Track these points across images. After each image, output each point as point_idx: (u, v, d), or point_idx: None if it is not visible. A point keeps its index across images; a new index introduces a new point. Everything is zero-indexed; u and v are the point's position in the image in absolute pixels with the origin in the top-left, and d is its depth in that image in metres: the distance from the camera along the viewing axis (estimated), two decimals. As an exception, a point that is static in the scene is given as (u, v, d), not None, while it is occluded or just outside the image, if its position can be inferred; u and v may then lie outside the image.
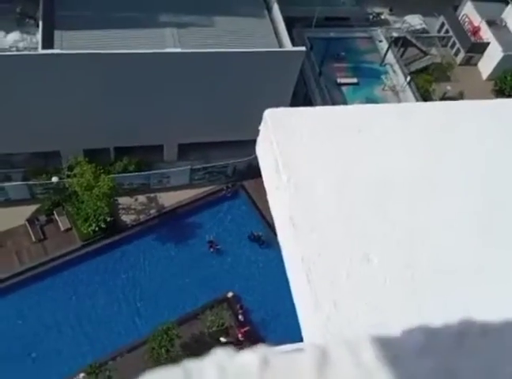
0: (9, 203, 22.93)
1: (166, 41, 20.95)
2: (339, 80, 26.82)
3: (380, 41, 29.56)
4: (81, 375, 19.26)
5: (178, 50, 19.97)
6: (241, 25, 22.40)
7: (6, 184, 22.70)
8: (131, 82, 20.48)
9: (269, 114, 2.50)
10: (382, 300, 1.86)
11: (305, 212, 2.12)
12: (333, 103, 24.46)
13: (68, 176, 22.61)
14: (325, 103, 24.25)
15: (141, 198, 24.55)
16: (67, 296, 21.75)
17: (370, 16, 32.83)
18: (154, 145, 24.25)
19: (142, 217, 24.04)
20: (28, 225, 22.52)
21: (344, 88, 26.93)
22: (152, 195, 24.72)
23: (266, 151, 2.47)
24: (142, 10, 21.53)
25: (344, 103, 24.94)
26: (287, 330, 21.93)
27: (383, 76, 27.86)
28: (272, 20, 23.05)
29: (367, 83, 27.18)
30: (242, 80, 21.60)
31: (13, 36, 20.74)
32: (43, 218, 22.84)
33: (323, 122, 2.46)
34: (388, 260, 1.94)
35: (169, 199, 24.63)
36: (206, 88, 21.56)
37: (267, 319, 22.50)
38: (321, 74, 26.62)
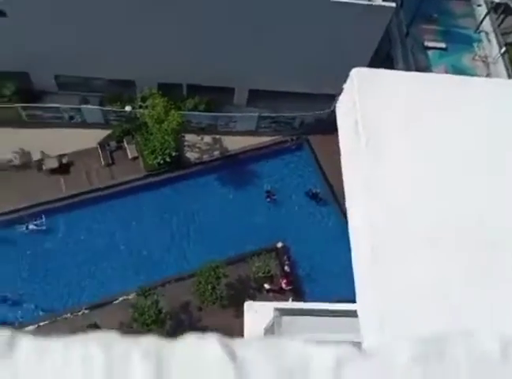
0: (84, 125, 24.09)
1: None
2: (426, 43, 25.23)
3: (479, 5, 27.24)
4: (132, 295, 20.69)
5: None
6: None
7: (83, 106, 23.78)
8: (212, 19, 20.33)
9: (357, 73, 2.41)
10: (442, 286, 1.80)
11: (380, 178, 2.08)
12: (416, 67, 23.21)
13: (140, 107, 23.30)
14: (407, 65, 23.06)
15: (207, 138, 24.99)
16: (127, 221, 23.03)
17: (473, -23, 30.16)
18: (225, 87, 24.31)
19: (206, 157, 24.58)
20: (99, 148, 23.68)
21: (429, 52, 25.36)
22: (217, 136, 25.08)
23: (347, 111, 2.41)
24: None
25: (429, 68, 23.60)
26: (330, 286, 22.29)
27: (475, 45, 25.90)
28: (366, -29, 21.76)
29: (455, 49, 25.41)
30: (323, 31, 20.87)
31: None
32: (113, 144, 23.90)
33: (412, 89, 2.35)
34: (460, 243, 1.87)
35: (233, 143, 24.91)
36: (285, 34, 21.04)
37: (312, 274, 22.86)
38: (408, 35, 25.16)
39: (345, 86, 2.53)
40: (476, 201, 1.89)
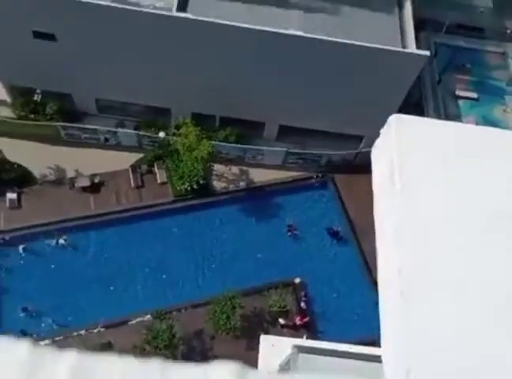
0: (118, 147, 24.91)
1: (290, 22, 21.23)
2: (457, 93, 25.52)
3: (512, 59, 27.54)
4: (147, 317, 20.85)
5: (301, 33, 20.17)
6: (367, 18, 22.01)
7: (120, 130, 24.68)
8: (249, 57, 21.09)
9: (395, 119, 2.55)
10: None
11: (412, 226, 1.98)
12: (446, 116, 23.43)
13: (174, 134, 24.04)
14: (438, 113, 23.31)
15: (234, 169, 25.49)
16: (150, 243, 23.40)
17: (508, 31, 30.56)
18: (257, 121, 24.93)
19: (232, 187, 25.02)
20: (130, 171, 24.38)
21: (460, 102, 25.61)
22: (244, 168, 25.55)
23: (383, 156, 2.49)
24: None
25: (459, 117, 23.79)
26: (345, 327, 22.01)
27: (507, 97, 26.07)
28: (401, 19, 22.38)
29: (487, 100, 25.60)
30: (355, 74, 21.39)
31: (154, -5, 22.17)
32: (144, 167, 24.58)
33: (450, 139, 2.39)
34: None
35: (260, 175, 25.32)
36: (318, 75, 21.64)
37: (328, 312, 22.64)
38: (439, 83, 25.53)
39: (382, 131, 2.65)
40: (505, 257, 1.87)
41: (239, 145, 24.78)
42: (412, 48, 20.78)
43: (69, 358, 0.97)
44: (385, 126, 2.63)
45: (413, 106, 24.81)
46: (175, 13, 20.42)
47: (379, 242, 2.19)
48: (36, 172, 23.86)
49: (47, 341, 20.29)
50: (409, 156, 2.21)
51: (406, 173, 2.14)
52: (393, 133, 2.47)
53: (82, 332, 20.87)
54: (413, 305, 1.74)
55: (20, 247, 22.31)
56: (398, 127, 2.48)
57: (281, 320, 21.89)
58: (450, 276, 1.79)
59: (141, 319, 21.04)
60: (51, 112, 23.96)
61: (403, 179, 2.11)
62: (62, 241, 22.48)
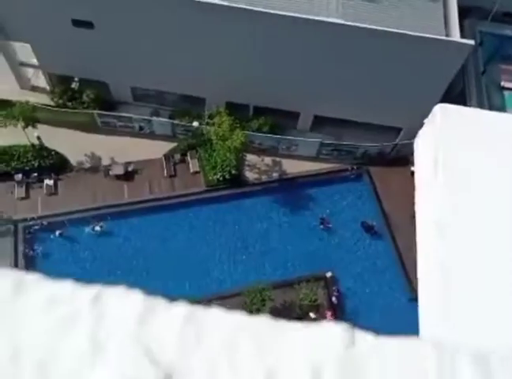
0: (152, 136, 25.09)
1: (329, 10, 20.70)
2: (503, 84, 24.38)
3: None
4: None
5: (341, 21, 19.62)
6: (410, 6, 21.23)
7: (154, 118, 24.82)
8: (283, 45, 20.73)
9: (441, 109, 2.38)
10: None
11: (455, 218, 2.03)
12: (490, 107, 22.42)
13: (207, 123, 24.00)
14: (481, 104, 22.33)
15: (267, 160, 25.26)
16: (182, 232, 23.55)
17: (560, 19, 28.93)
18: (291, 111, 24.58)
19: (264, 177, 24.82)
20: (163, 160, 24.53)
21: (505, 93, 24.46)
22: (277, 159, 25.29)
23: (427, 146, 2.37)
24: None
25: (503, 108, 22.73)
26: (377, 323, 21.56)
27: (556, 89, 24.71)
28: (445, 6, 21.47)
29: (534, 92, 24.37)
30: (395, 64, 20.70)
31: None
32: (177, 156, 24.69)
33: (496, 130, 2.29)
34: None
35: (293, 167, 25.01)
36: (355, 64, 21.06)
37: (360, 308, 22.25)
38: (484, 73, 24.43)
39: (427, 121, 2.50)
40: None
41: (273, 135, 24.52)
42: (455, 37, 19.96)
43: (181, 308, 1.04)
44: (430, 116, 2.44)
45: (455, 97, 23.87)
46: (214, 1, 20.24)
47: (420, 236, 2.22)
48: (73, 159, 24.32)
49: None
50: (454, 147, 2.17)
51: (450, 164, 2.10)
52: (438, 123, 2.30)
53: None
54: (456, 301, 1.71)
55: (57, 233, 22.82)
56: (444, 117, 2.30)
57: (312, 315, 21.62)
58: (495, 271, 1.77)
59: (171, 307, 21.20)
60: (88, 100, 24.32)
61: (447, 170, 2.07)
62: (97, 228, 22.85)
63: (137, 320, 1.00)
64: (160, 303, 1.05)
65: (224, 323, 1.04)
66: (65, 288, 1.02)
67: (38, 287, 1.00)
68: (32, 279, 1.01)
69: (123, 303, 1.02)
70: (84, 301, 1.00)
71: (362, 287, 22.73)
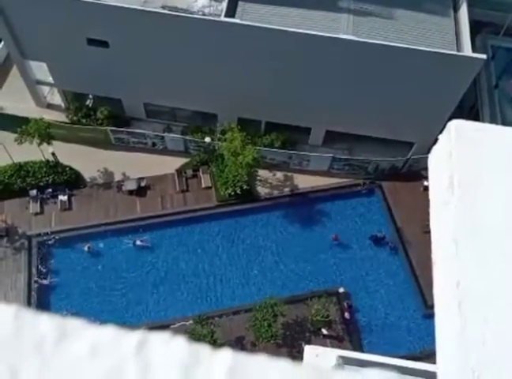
0: (164, 151, 25.31)
1: (340, 27, 20.89)
2: (516, 98, 24.27)
3: None
4: (189, 322, 20.91)
5: (353, 37, 19.75)
6: (421, 21, 21.33)
7: (167, 134, 25.06)
8: (296, 61, 20.89)
9: (456, 125, 2.37)
10: None
11: (470, 236, 1.99)
12: (503, 122, 22.29)
13: (219, 139, 24.15)
14: (494, 120, 22.20)
15: (279, 175, 25.28)
16: (194, 247, 23.55)
17: None
18: (303, 127, 24.65)
19: (276, 193, 24.82)
20: (175, 175, 24.68)
21: (518, 107, 24.32)
22: (289, 174, 25.31)
23: (441, 163, 2.35)
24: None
25: (516, 123, 22.58)
26: (390, 338, 21.27)
27: None
28: (457, 21, 21.54)
29: (548, 106, 24.19)
30: (406, 79, 20.71)
31: (203, 1, 22.41)
32: (189, 172, 24.83)
33: None
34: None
35: (305, 181, 24.99)
36: (367, 80, 21.13)
37: (373, 323, 21.97)
38: (496, 87, 24.35)
39: (441, 137, 2.49)
40: None
41: (284, 151, 24.56)
42: (467, 51, 19.96)
43: (225, 355, 1.00)
44: (444, 132, 2.43)
45: (468, 111, 23.80)
46: (223, 19, 20.53)
47: (435, 253, 2.13)
48: (86, 175, 24.59)
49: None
50: (470, 164, 2.15)
51: (466, 181, 2.07)
52: (452, 140, 2.28)
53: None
54: (472, 322, 1.67)
55: (69, 247, 22.97)
56: (458, 133, 2.29)
57: (324, 331, 21.38)
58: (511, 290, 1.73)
59: (183, 323, 21.12)
60: (102, 117, 24.66)
61: (462, 187, 2.04)
62: (138, 242, 23.06)
63: (183, 371, 0.98)
64: (204, 351, 1.01)
65: (269, 373, 1.02)
66: (108, 335, 0.99)
67: (81, 335, 0.98)
68: (75, 325, 0.99)
69: (167, 351, 0.99)
70: (128, 349, 0.97)
71: (375, 302, 22.46)
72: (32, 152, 23.43)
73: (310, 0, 21.41)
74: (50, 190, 23.86)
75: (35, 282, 22.00)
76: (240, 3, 21.74)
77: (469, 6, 21.44)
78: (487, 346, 1.64)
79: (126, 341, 0.98)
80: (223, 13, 20.91)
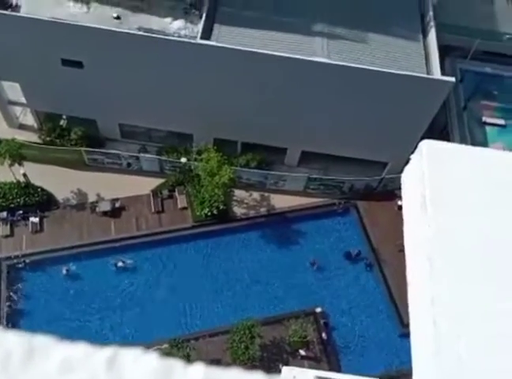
0: (140, 172, 25.08)
1: (315, 50, 21.31)
2: (484, 119, 25.05)
3: (541, 85, 26.97)
4: (164, 345, 20.47)
5: (327, 60, 20.17)
6: (392, 45, 21.97)
7: (142, 155, 24.88)
8: (272, 83, 21.18)
9: (427, 145, 2.42)
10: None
11: (445, 254, 2.01)
12: (473, 142, 22.95)
13: (195, 159, 24.11)
14: (464, 140, 22.85)
15: (255, 195, 25.32)
16: (169, 269, 23.22)
17: (536, 57, 30.07)
18: (279, 147, 24.86)
19: (252, 213, 24.81)
20: (151, 196, 24.45)
21: (487, 129, 25.10)
22: (265, 194, 25.38)
23: (414, 182, 2.39)
24: (297, 16, 22.11)
25: (485, 144, 23.27)
26: (366, 357, 21.25)
27: (535, 124, 25.42)
28: (426, 46, 22.27)
29: (515, 127, 25.03)
30: (380, 101, 21.21)
31: (178, 24, 22.59)
32: (165, 192, 24.63)
33: (483, 166, 2.31)
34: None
35: (281, 201, 25.08)
36: (341, 102, 21.55)
37: (350, 343, 21.93)
38: (465, 109, 25.12)
39: (413, 157, 2.52)
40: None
41: (260, 171, 24.67)
42: (436, 74, 20.58)
43: (197, 369, 1.00)
44: (416, 152, 2.48)
45: (439, 133, 24.41)
46: (199, 41, 20.71)
47: (410, 271, 2.17)
48: (59, 196, 24.13)
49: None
50: (441, 183, 2.18)
51: (438, 200, 2.09)
52: (424, 159, 2.32)
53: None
54: (447, 338, 1.68)
55: (41, 270, 22.36)
56: (429, 153, 2.33)
57: (302, 352, 21.22)
58: (486, 308, 1.76)
59: (158, 347, 20.65)
60: (76, 137, 24.36)
61: (435, 206, 2.06)
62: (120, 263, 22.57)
63: None
64: (176, 365, 1.01)
65: None
66: (79, 351, 0.97)
67: (49, 352, 0.95)
68: (43, 342, 0.96)
69: (139, 366, 0.98)
70: (99, 364, 0.95)
71: (352, 321, 22.46)
72: (2, 173, 22.91)
73: (285, 23, 21.83)
74: (20, 212, 23.30)
75: (8, 306, 21.29)
76: (216, 25, 22.00)
77: (438, 31, 22.21)
78: (462, 361, 1.66)
79: (97, 357, 0.96)
80: (198, 35, 21.11)
